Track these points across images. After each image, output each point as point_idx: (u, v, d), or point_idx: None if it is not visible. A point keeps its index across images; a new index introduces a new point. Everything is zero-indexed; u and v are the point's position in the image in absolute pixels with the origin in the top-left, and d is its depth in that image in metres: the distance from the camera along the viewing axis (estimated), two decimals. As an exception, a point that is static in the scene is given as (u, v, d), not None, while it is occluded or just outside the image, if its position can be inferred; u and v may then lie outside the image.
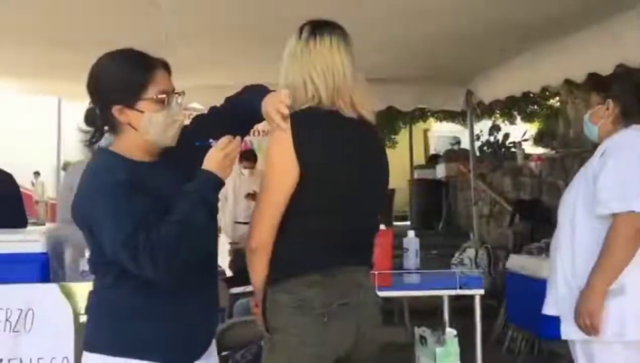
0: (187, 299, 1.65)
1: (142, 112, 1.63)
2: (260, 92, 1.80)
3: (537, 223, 7.07)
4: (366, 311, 1.76)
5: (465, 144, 11.80)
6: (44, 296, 2.43)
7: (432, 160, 12.07)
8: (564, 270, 2.23)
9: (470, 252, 6.90)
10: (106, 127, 1.70)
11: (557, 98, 13.46)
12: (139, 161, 1.67)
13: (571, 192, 2.27)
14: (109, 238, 1.53)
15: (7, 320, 2.38)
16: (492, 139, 11.98)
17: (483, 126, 12.30)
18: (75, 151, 3.05)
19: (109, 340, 1.63)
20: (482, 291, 2.83)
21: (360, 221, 1.79)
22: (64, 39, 3.85)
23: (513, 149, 11.65)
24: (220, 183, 1.62)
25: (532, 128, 14.50)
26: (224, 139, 1.64)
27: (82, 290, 2.34)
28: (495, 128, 12.44)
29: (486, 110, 11.27)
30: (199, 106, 5.00)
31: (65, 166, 16.85)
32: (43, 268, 2.47)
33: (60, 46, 4.00)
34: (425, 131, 16.76)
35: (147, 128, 1.64)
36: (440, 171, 10.49)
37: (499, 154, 10.48)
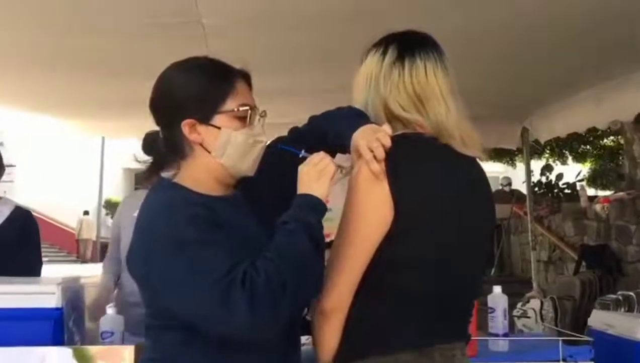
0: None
1: (218, 128, 1.34)
2: (354, 120, 1.38)
3: (606, 270, 6.52)
4: None
5: (516, 184, 11.32)
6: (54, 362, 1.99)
7: (481, 202, 11.54)
8: None
9: (535, 303, 6.23)
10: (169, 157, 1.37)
11: (611, 138, 13.00)
12: (211, 196, 1.31)
13: None
14: (188, 288, 1.21)
15: (9, 391, 1.95)
16: (544, 179, 11.54)
17: (533, 166, 11.85)
18: (116, 189, 2.85)
19: None
20: (591, 365, 2.29)
21: (463, 283, 1.37)
22: (109, 69, 3.53)
23: (567, 191, 11.18)
24: (319, 204, 1.29)
25: (584, 168, 14.01)
26: (317, 155, 1.32)
27: (101, 354, 1.96)
28: (547, 168, 11.97)
29: (536, 150, 10.83)
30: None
31: (107, 205, 17.23)
32: (56, 328, 2.04)
33: (105, 77, 3.67)
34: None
35: (224, 150, 1.35)
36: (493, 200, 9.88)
37: (560, 196, 9.92)
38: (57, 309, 2.05)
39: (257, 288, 1.17)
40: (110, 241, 2.93)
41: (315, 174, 1.30)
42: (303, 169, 1.32)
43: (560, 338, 2.30)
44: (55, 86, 4.02)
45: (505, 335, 2.41)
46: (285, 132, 1.56)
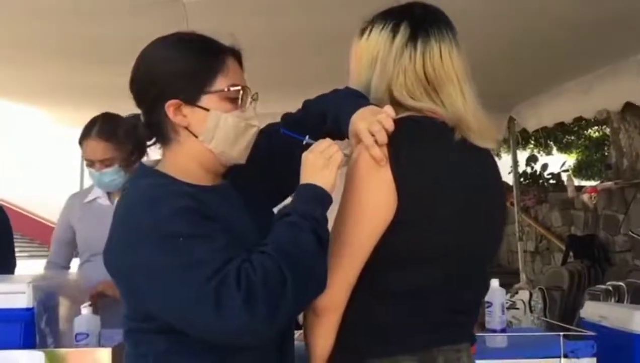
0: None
1: (207, 110, 1.21)
2: (352, 102, 1.24)
3: (594, 261, 6.50)
4: None
5: (502, 175, 11.29)
6: (25, 367, 1.86)
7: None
8: None
9: (523, 294, 6.21)
10: (150, 141, 1.25)
11: (596, 128, 13.04)
12: (198, 185, 1.18)
13: None
14: (175, 286, 1.07)
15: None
16: (529, 170, 11.54)
17: (517, 157, 11.85)
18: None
19: None
20: (594, 361, 2.19)
21: (471, 281, 1.26)
22: (84, 55, 3.37)
23: (552, 181, 11.19)
24: (325, 196, 1.16)
25: (569, 159, 14.05)
26: (323, 142, 1.19)
27: (75, 358, 1.87)
28: (532, 159, 11.96)
29: (521, 140, 10.83)
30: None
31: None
32: (27, 330, 1.91)
33: (80, 63, 3.52)
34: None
35: (213, 134, 1.22)
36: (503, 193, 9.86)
37: (545, 186, 9.94)
38: (27, 309, 1.93)
39: (254, 287, 1.05)
40: (53, 242, 2.63)
41: (322, 163, 1.17)
42: (308, 157, 1.19)
43: (562, 333, 2.20)
44: (33, 74, 3.85)
45: (503, 330, 2.31)
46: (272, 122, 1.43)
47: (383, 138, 1.15)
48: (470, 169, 1.24)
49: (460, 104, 1.23)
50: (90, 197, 2.53)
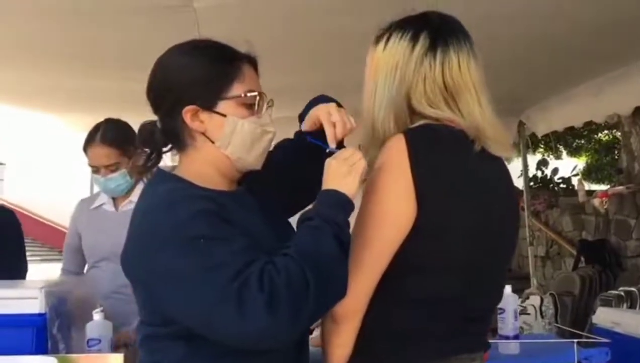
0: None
1: (224, 115, 1.22)
2: (321, 101, 1.35)
3: (605, 266, 6.45)
4: None
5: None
6: (37, 373, 1.85)
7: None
8: None
9: (534, 300, 6.16)
10: (166, 148, 1.26)
11: (606, 132, 12.96)
12: (214, 190, 1.19)
13: None
14: (196, 288, 1.06)
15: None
16: (539, 174, 11.48)
17: (527, 161, 11.80)
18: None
19: None
20: (607, 369, 2.17)
21: (488, 289, 1.26)
22: (96, 59, 3.38)
23: (562, 185, 11.13)
24: (347, 202, 1.16)
25: (579, 163, 13.98)
26: (347, 150, 1.20)
27: None
28: (543, 163, 11.90)
29: (531, 144, 10.78)
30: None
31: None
32: (39, 335, 1.91)
33: (93, 68, 3.52)
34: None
35: (229, 139, 1.23)
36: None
37: (556, 190, 9.88)
38: (39, 315, 1.92)
39: (277, 289, 1.04)
40: (65, 249, 2.62)
41: (345, 170, 1.17)
42: (331, 163, 1.20)
43: (576, 340, 2.18)
44: (42, 79, 3.86)
45: (515, 337, 2.29)
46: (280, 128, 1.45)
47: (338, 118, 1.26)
48: (486, 176, 1.25)
49: (478, 113, 1.24)
50: (96, 203, 2.53)
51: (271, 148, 1.34)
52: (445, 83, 1.24)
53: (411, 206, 1.16)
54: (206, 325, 1.08)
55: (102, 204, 2.50)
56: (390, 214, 1.18)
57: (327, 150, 1.26)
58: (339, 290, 1.12)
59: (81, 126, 5.64)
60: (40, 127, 6.13)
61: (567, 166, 12.68)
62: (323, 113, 1.30)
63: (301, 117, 1.44)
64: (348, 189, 1.16)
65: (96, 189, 2.64)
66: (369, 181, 1.21)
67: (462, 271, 1.20)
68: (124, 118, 2.44)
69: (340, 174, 1.17)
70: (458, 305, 1.22)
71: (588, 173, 13.52)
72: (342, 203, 1.15)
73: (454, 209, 1.19)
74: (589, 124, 7.47)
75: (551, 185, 11.20)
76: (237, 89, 1.23)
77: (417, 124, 1.23)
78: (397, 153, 1.18)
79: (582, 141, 13.68)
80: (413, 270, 1.19)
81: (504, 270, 1.35)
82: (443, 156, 1.21)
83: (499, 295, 1.34)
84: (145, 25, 2.82)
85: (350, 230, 1.18)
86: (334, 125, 1.27)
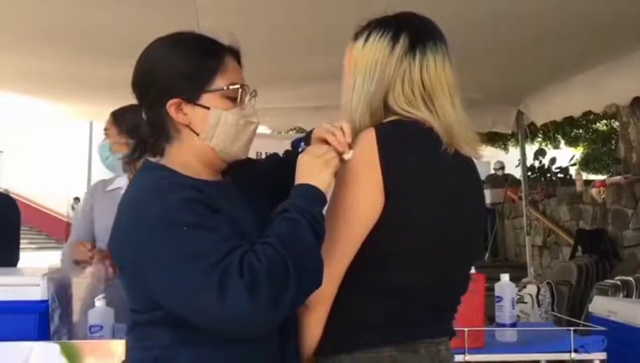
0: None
1: (207, 108, 1.24)
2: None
3: (602, 255, 6.48)
4: None
5: (508, 169, 11.28)
6: (39, 359, 1.87)
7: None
8: None
9: (531, 288, 6.21)
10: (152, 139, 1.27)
11: (604, 121, 12.97)
12: (201, 179, 1.21)
13: None
14: (180, 273, 1.09)
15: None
16: (537, 163, 11.50)
17: (526, 151, 11.82)
18: (105, 175, 2.65)
19: None
20: (604, 356, 2.19)
21: (453, 279, 1.31)
22: (95, 48, 3.38)
23: (560, 175, 11.15)
24: (321, 196, 1.19)
25: (577, 152, 14.00)
26: (322, 146, 1.24)
27: (89, 350, 1.86)
28: (540, 153, 11.91)
29: (529, 134, 10.79)
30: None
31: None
32: (41, 321, 1.92)
33: (91, 57, 3.52)
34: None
35: (213, 131, 1.25)
36: (485, 197, 9.83)
37: (553, 180, 9.89)
38: (42, 302, 1.93)
39: (258, 275, 1.06)
40: (75, 224, 2.67)
41: (319, 165, 1.20)
42: (304, 159, 1.23)
43: (572, 328, 2.21)
44: (41, 68, 3.85)
45: (512, 325, 2.32)
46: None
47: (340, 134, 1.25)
48: (454, 172, 1.28)
49: (450, 113, 1.28)
50: (112, 186, 2.52)
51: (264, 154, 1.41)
52: (424, 83, 1.27)
53: (379, 197, 1.20)
54: (189, 310, 1.11)
55: (118, 188, 2.48)
56: (361, 204, 1.21)
57: (300, 149, 1.30)
58: (316, 280, 1.15)
59: (78, 115, 5.65)
60: (38, 115, 6.12)
61: (565, 155, 12.70)
62: (321, 130, 1.31)
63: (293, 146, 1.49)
64: (321, 184, 1.20)
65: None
66: (340, 171, 1.24)
67: (428, 263, 1.24)
68: (116, 107, 2.44)
69: (314, 169, 1.20)
70: (426, 295, 1.25)
71: (586, 163, 13.55)
72: (316, 196, 1.18)
73: (421, 203, 1.22)
74: (587, 114, 7.50)
75: (549, 175, 11.23)
76: (219, 82, 1.25)
77: (388, 119, 1.27)
78: (367, 145, 1.21)
79: (580, 131, 13.69)
80: (381, 261, 1.22)
81: (470, 261, 1.39)
82: (411, 150, 1.24)
83: (465, 285, 1.37)
84: (146, 16, 2.81)
85: None
86: (334, 135, 1.28)
